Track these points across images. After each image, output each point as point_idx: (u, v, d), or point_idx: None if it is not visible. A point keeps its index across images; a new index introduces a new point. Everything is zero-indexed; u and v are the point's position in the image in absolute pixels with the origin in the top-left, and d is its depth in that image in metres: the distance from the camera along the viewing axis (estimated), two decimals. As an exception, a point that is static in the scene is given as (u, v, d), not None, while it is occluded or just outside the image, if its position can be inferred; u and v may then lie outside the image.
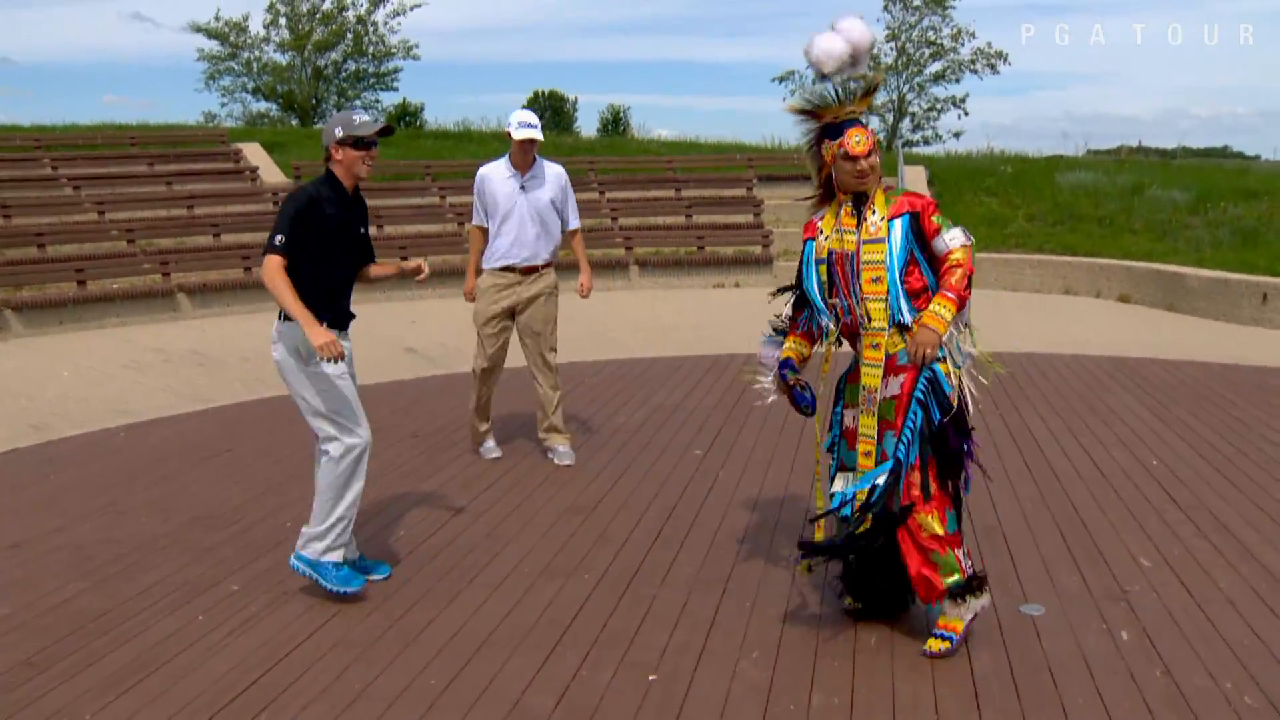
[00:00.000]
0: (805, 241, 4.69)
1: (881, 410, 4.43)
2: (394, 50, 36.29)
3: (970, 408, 4.51)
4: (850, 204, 4.50)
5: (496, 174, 6.97)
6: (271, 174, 18.53)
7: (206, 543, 5.76)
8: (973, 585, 4.40)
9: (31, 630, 4.70)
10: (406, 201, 17.72)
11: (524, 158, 6.92)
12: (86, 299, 13.17)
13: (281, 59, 35.59)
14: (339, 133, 4.87)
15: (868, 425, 4.47)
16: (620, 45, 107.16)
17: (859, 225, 4.44)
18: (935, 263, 4.41)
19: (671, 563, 5.41)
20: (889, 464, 4.36)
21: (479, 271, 7.20)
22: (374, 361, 10.99)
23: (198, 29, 34.59)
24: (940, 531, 4.34)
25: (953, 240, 4.35)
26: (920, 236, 4.40)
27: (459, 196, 17.95)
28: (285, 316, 4.85)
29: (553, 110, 51.50)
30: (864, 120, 4.51)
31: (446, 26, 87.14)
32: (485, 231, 7.07)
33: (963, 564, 4.38)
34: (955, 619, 4.39)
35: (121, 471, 7.10)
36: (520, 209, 6.90)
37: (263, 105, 36.60)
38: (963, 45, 38.63)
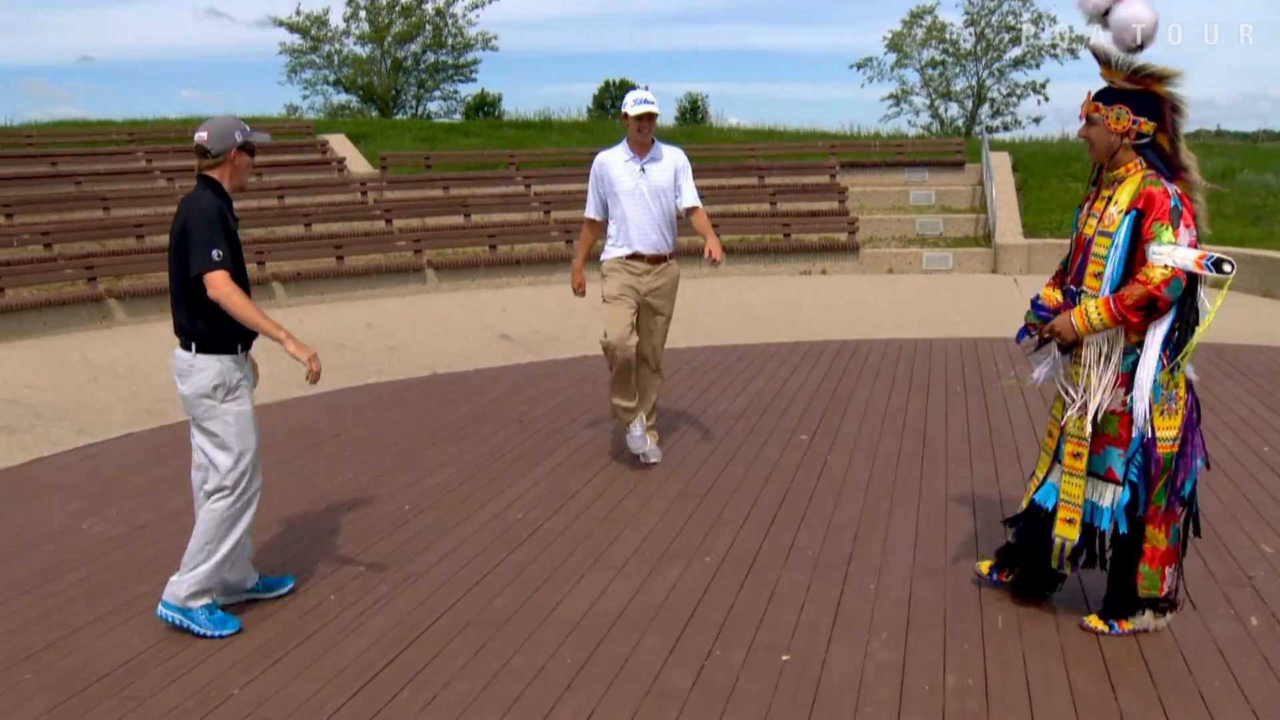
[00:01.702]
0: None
1: (1103, 423, 4.30)
2: (473, 42, 36.59)
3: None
4: (1096, 180, 4.39)
5: (615, 159, 6.73)
6: (358, 164, 18.81)
7: (330, 525, 5.90)
8: (1159, 605, 4.40)
9: (173, 608, 4.85)
10: (492, 190, 17.88)
11: (642, 138, 6.63)
12: (186, 288, 13.44)
13: (362, 51, 36.08)
14: (239, 137, 4.59)
15: (1078, 425, 4.34)
16: (690, 34, 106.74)
17: (1104, 210, 4.27)
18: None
19: (791, 545, 5.46)
20: (1107, 509, 4.32)
21: (589, 262, 7.05)
22: (469, 349, 11.17)
23: (279, 23, 35.09)
24: (1164, 546, 4.31)
25: (1155, 256, 4.04)
26: (1139, 237, 4.15)
27: (542, 185, 18.10)
28: (200, 348, 4.55)
29: (623, 100, 51.47)
30: (1119, 93, 4.23)
31: (523, 18, 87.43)
32: (595, 225, 6.92)
33: (1165, 583, 4.35)
34: (1128, 621, 4.43)
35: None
36: (642, 194, 6.65)
37: (343, 97, 37.09)
38: (1043, 30, 38.16)
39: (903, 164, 19.59)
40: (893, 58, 39.95)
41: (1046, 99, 40.11)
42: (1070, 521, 4.41)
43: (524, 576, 5.14)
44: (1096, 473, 4.35)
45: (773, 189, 18.32)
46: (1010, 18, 38.22)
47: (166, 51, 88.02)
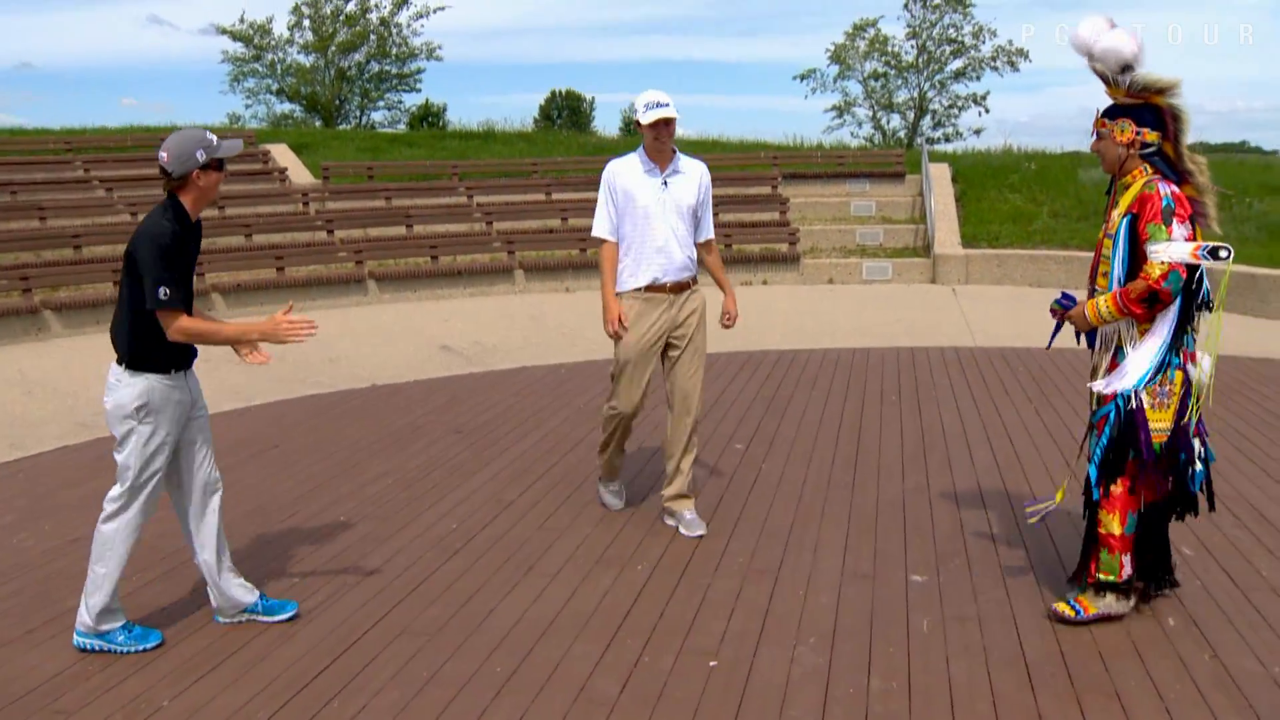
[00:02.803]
0: None
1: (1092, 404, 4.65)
2: (417, 51, 36.55)
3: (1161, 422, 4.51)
4: (1111, 189, 4.70)
5: (631, 170, 5.73)
6: (300, 174, 18.74)
7: (265, 535, 5.89)
8: (1120, 589, 4.60)
9: (104, 620, 4.83)
10: (434, 201, 17.88)
11: (661, 147, 5.67)
12: (124, 300, 13.33)
13: (305, 61, 35.93)
14: (202, 156, 4.35)
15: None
16: (638, 45, 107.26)
17: (1111, 215, 4.58)
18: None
19: (723, 552, 5.53)
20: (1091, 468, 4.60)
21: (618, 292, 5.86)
22: (410, 360, 11.17)
23: (222, 31, 34.88)
24: (1117, 532, 4.54)
25: (1154, 254, 4.29)
26: (1137, 237, 4.41)
27: (485, 196, 18.14)
28: (132, 365, 4.42)
29: (570, 110, 51.65)
30: (1123, 108, 4.51)
31: (468, 27, 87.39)
32: (615, 247, 5.80)
33: (1124, 570, 4.58)
34: (1090, 602, 4.62)
35: (174, 467, 7.23)
36: (666, 212, 5.70)
37: (287, 107, 36.91)
38: (983, 43, 38.72)
39: (844, 175, 19.81)
40: (836, 70, 40.39)
41: (987, 110, 40.80)
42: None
43: (457, 586, 5.17)
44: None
45: (715, 201, 18.39)
46: (951, 31, 38.79)
47: (108, 59, 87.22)
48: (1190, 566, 5.24)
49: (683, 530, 5.82)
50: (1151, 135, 4.45)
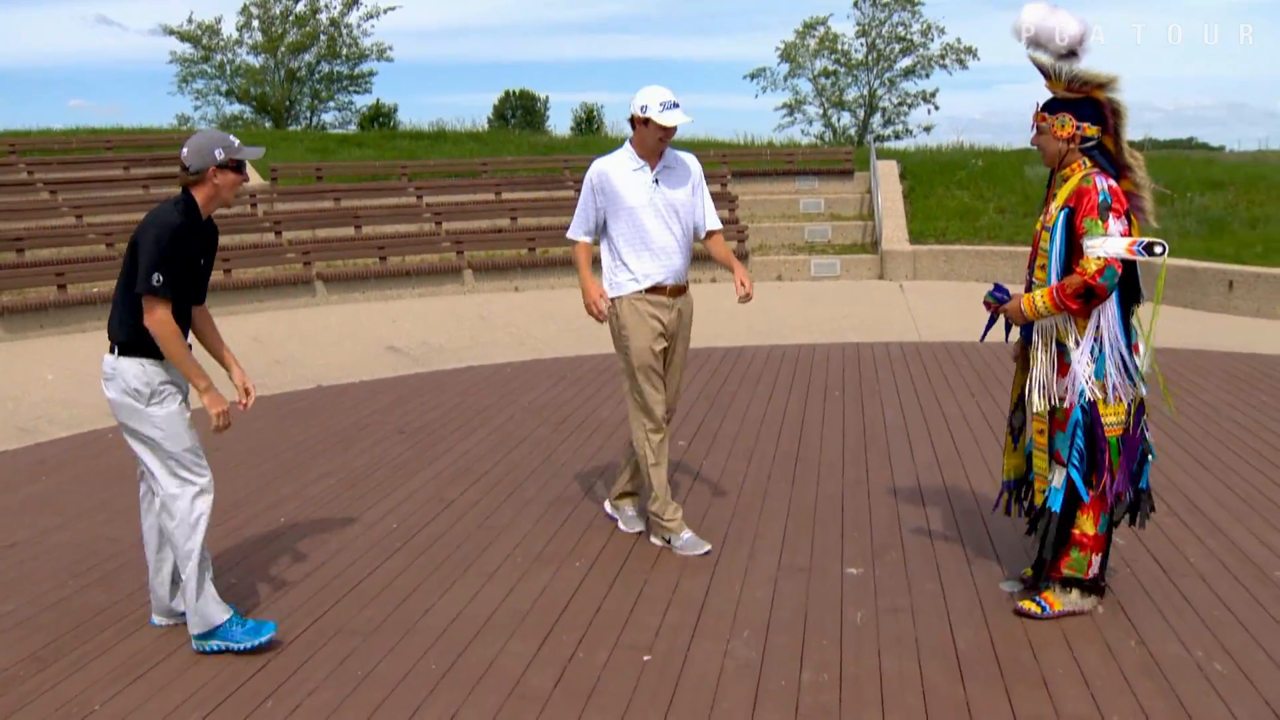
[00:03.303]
0: None
1: (1056, 409, 4.60)
2: (368, 52, 36.38)
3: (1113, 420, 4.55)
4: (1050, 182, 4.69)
5: (620, 168, 5.45)
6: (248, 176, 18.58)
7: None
8: (1085, 585, 4.65)
9: (36, 626, 4.80)
10: (383, 202, 17.80)
11: (660, 147, 5.43)
12: (67, 303, 13.22)
13: (255, 61, 35.64)
14: (220, 155, 4.38)
15: (1039, 403, 4.64)
16: (590, 44, 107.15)
17: (1048, 208, 4.58)
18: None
19: (661, 549, 5.55)
20: (1060, 490, 4.59)
21: (600, 284, 5.61)
22: (356, 362, 11.13)
23: (170, 31, 34.55)
24: (1091, 531, 4.57)
25: (1090, 249, 4.31)
26: (1074, 232, 4.42)
27: (435, 196, 18.07)
28: (123, 351, 4.41)
29: (524, 110, 51.54)
30: (1063, 102, 4.51)
31: (419, 27, 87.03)
32: (589, 249, 5.67)
33: (1090, 569, 4.62)
34: (1055, 599, 4.66)
35: (113, 471, 7.18)
36: (659, 210, 5.44)
37: (236, 108, 36.63)
38: (932, 41, 39.02)
39: (793, 172, 19.90)
40: (786, 68, 40.55)
41: (937, 108, 41.09)
42: (1044, 493, 4.69)
43: (395, 585, 5.17)
44: (1048, 453, 4.64)
45: (665, 198, 18.43)
46: (900, 29, 39.05)
47: (55, 59, 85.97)
48: (1120, 554, 5.32)
49: (624, 527, 5.85)
50: (1091, 129, 4.47)
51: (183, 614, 4.71)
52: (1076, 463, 4.52)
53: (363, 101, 39.57)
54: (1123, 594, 4.87)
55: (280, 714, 4.00)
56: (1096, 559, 4.61)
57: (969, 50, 38.86)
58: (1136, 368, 4.54)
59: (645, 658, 4.36)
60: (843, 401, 8.75)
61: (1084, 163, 4.50)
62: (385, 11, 35.43)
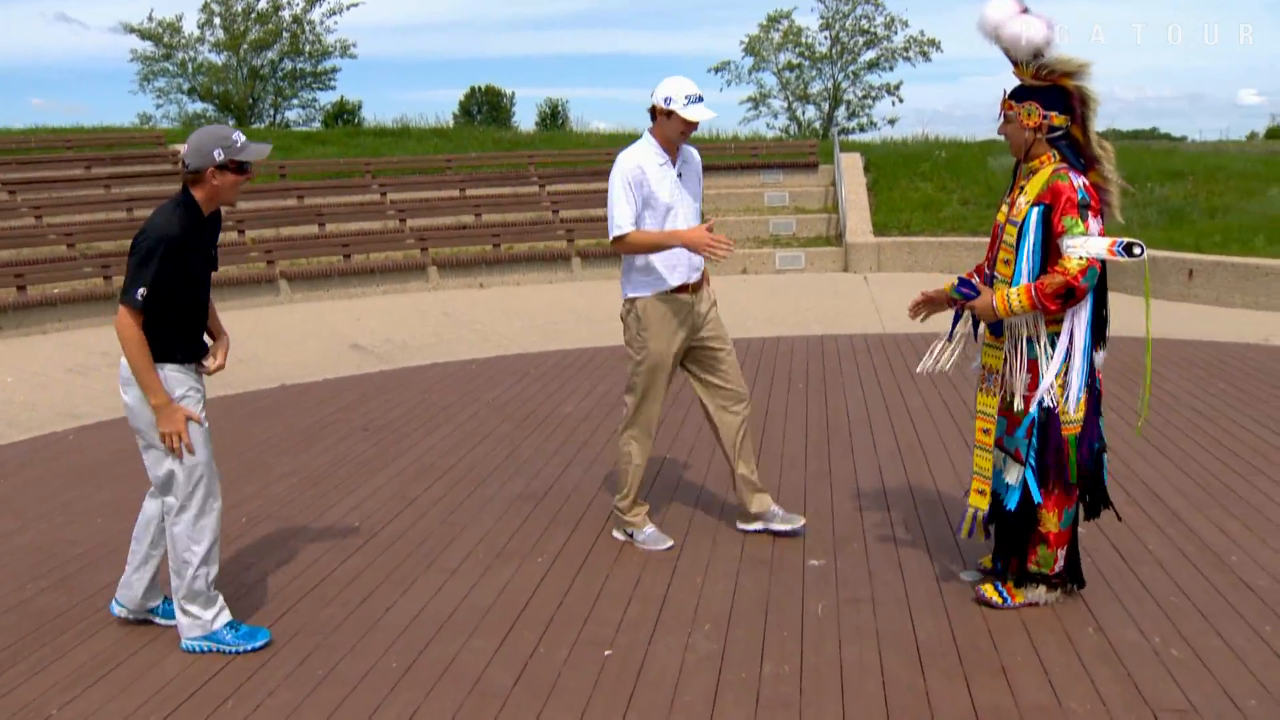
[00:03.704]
0: None
1: (1014, 405, 4.57)
2: (331, 49, 36.18)
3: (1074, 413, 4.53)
4: (1015, 171, 4.62)
5: (650, 162, 5.27)
6: (210, 174, 18.45)
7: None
8: (1050, 581, 4.66)
9: (-6, 629, 4.76)
10: (347, 199, 17.71)
11: (681, 140, 5.30)
12: (27, 304, 13.09)
13: (217, 59, 35.42)
14: (219, 156, 4.26)
15: (986, 404, 4.64)
16: (555, 39, 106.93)
17: (1015, 200, 4.51)
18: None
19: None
20: (1017, 488, 4.56)
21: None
22: (320, 360, 11.08)
23: (130, 29, 34.24)
24: (1055, 528, 4.55)
25: (1071, 249, 4.26)
26: (1050, 229, 4.36)
27: (399, 193, 18.00)
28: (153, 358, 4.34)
29: (490, 105, 51.42)
30: (1030, 90, 4.44)
31: (383, 24, 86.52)
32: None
33: (1057, 564, 4.62)
34: (1018, 592, 4.67)
35: (74, 474, 7.13)
36: (683, 206, 5.35)
37: (199, 106, 36.36)
38: (896, 34, 39.14)
39: (758, 166, 19.92)
40: (750, 61, 40.59)
41: (901, 100, 41.20)
42: (981, 493, 4.66)
43: (356, 583, 5.15)
44: (1007, 450, 4.61)
45: (630, 193, 18.42)
46: (864, 22, 39.14)
47: (14, 58, 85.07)
48: (1080, 542, 5.34)
49: (781, 526, 5.60)
50: (1059, 119, 4.39)
51: (151, 611, 4.72)
52: (1034, 462, 4.50)
53: (326, 99, 39.43)
54: (1080, 582, 4.91)
55: (241, 714, 3.98)
56: (1062, 553, 4.62)
57: (932, 43, 38.99)
58: (1089, 379, 4.50)
59: (606, 653, 4.36)
60: (806, 393, 8.78)
61: (1052, 155, 4.43)
62: (348, 8, 35.22)
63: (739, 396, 5.58)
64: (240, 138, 4.35)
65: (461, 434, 7.83)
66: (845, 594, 4.86)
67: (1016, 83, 4.50)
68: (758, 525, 5.63)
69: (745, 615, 4.67)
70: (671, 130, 5.23)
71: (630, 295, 5.43)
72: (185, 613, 4.47)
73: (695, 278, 5.42)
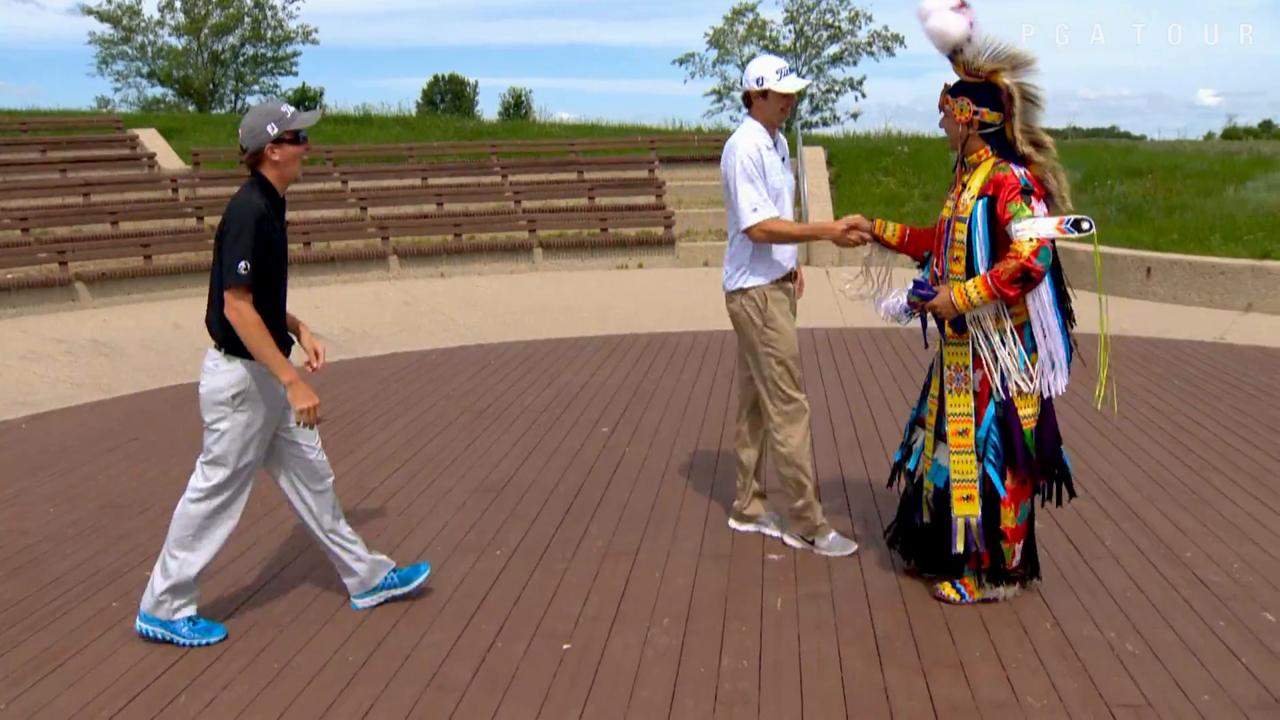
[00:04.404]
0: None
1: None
2: (293, 35, 35.91)
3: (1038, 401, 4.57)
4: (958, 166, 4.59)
5: (764, 144, 5.12)
6: (170, 160, 18.30)
7: (117, 531, 5.75)
8: (1009, 576, 4.66)
9: (-58, 621, 4.68)
10: (308, 187, 17.56)
11: (781, 117, 5.19)
12: (-20, 290, 12.91)
13: (177, 43, 35.11)
14: (273, 129, 4.23)
15: (958, 404, 4.57)
16: (520, 28, 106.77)
17: (959, 196, 4.50)
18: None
19: (582, 537, 5.53)
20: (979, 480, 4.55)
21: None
22: (279, 348, 10.98)
23: (88, 11, 33.82)
24: (1012, 524, 4.56)
25: (1020, 232, 4.27)
26: (997, 220, 4.37)
27: (360, 181, 17.89)
28: (228, 349, 4.32)
29: (453, 94, 51.19)
30: (965, 85, 4.47)
31: (345, 9, 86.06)
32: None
33: (1014, 559, 4.62)
34: (975, 587, 4.67)
35: (26, 463, 7.03)
36: (788, 189, 5.22)
37: (158, 91, 36.05)
38: (860, 28, 39.26)
39: (720, 158, 19.90)
40: (715, 54, 40.61)
41: (864, 95, 41.42)
42: (968, 499, 4.55)
43: (313, 576, 5.10)
44: (942, 436, 4.63)
45: (591, 184, 18.42)
46: (829, 16, 39.24)
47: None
48: (1038, 538, 5.38)
49: (836, 551, 5.32)
50: (991, 115, 4.40)
51: (381, 586, 4.71)
52: (993, 458, 4.51)
53: (288, 85, 39.16)
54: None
55: (194, 709, 3.93)
56: (1019, 548, 4.63)
57: (896, 38, 39.19)
58: (1069, 359, 4.53)
59: (565, 647, 4.34)
60: (768, 387, 8.78)
61: (989, 149, 4.46)
62: (311, -7, 35.01)
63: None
64: (289, 109, 4.32)
65: (421, 425, 7.78)
66: (804, 588, 4.86)
67: (956, 77, 4.54)
68: (750, 527, 5.60)
69: (704, 610, 4.66)
70: (771, 109, 5.11)
71: (746, 285, 5.22)
72: (156, 590, 4.42)
73: (796, 266, 5.37)
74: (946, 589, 4.70)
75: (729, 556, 5.26)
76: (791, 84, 5.06)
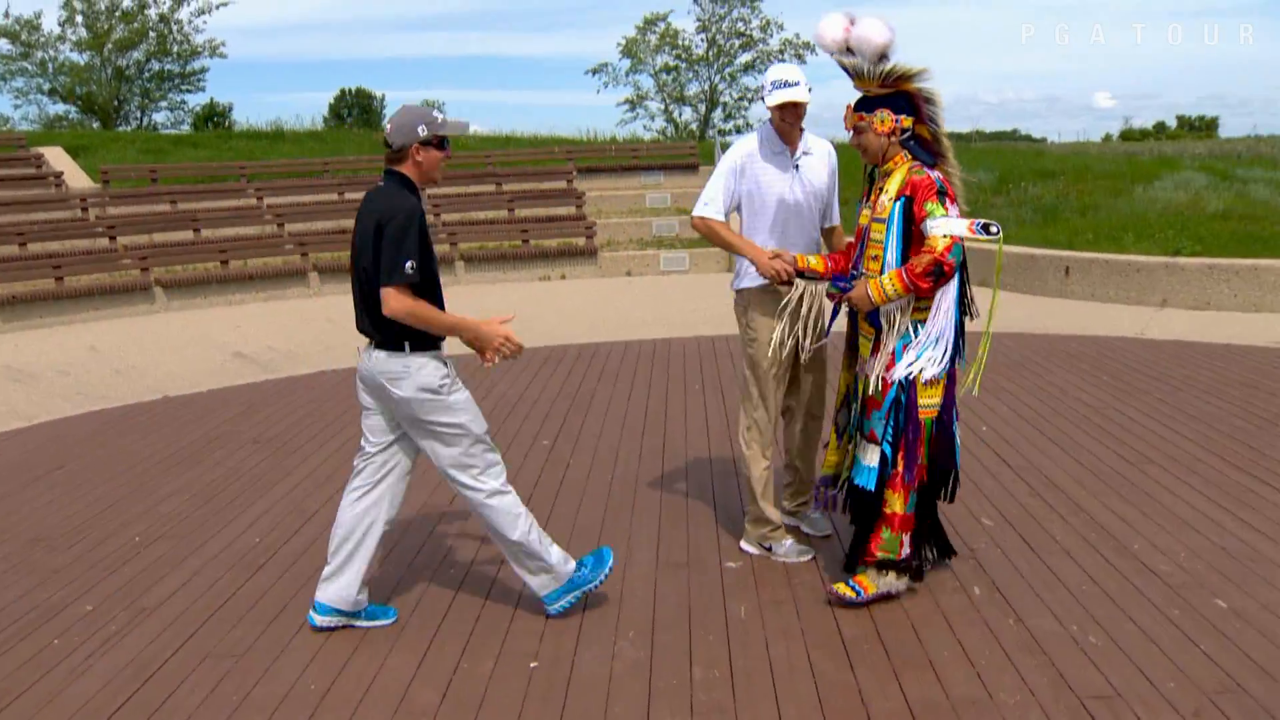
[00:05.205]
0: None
1: (864, 387, 4.70)
2: (200, 49, 35.27)
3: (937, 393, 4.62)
4: (871, 176, 4.75)
5: (762, 150, 5.17)
6: (78, 179, 17.88)
7: (50, 565, 5.55)
8: (899, 566, 4.67)
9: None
10: (223, 204, 17.28)
11: (789, 131, 5.14)
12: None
13: (79, 59, 34.24)
14: (423, 131, 4.29)
15: (867, 387, 4.69)
16: (429, 41, 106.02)
17: (876, 200, 4.63)
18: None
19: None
20: (874, 468, 4.62)
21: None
22: (202, 370, 10.76)
23: (-15, 27, 32.90)
24: (900, 511, 4.60)
25: (934, 229, 4.41)
26: (912, 219, 4.51)
27: (276, 197, 17.62)
28: (414, 347, 4.35)
29: (360, 108, 50.72)
30: (876, 99, 4.58)
31: (253, 24, 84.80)
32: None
33: (903, 549, 4.65)
34: (870, 582, 4.67)
35: (-51, 493, 6.79)
36: (797, 198, 5.16)
37: (61, 108, 35.13)
38: (771, 36, 39.58)
39: (639, 168, 19.95)
40: (627, 64, 40.69)
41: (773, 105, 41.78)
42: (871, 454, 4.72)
43: (264, 603, 4.96)
44: (863, 433, 4.68)
45: (510, 195, 18.33)
46: (740, 24, 39.50)
47: None
48: (990, 536, 5.43)
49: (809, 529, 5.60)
50: (907, 121, 4.58)
51: (356, 614, 4.64)
52: (891, 439, 4.59)
53: (196, 100, 38.49)
54: (997, 574, 4.96)
55: (151, 745, 3.80)
56: (907, 538, 4.66)
57: (807, 45, 39.48)
58: (962, 350, 4.67)
59: (532, 664, 4.26)
60: (703, 394, 8.78)
61: (905, 155, 4.61)
62: (217, 7, 34.42)
63: (817, 425, 5.57)
64: (440, 114, 4.37)
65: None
66: (766, 595, 4.84)
67: (858, 95, 4.67)
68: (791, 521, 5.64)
69: (668, 620, 4.61)
70: (775, 120, 5.12)
71: (739, 287, 5.29)
72: (533, 573, 4.58)
73: None
74: (842, 588, 4.68)
75: (686, 566, 5.22)
76: (776, 98, 5.02)
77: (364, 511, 4.58)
